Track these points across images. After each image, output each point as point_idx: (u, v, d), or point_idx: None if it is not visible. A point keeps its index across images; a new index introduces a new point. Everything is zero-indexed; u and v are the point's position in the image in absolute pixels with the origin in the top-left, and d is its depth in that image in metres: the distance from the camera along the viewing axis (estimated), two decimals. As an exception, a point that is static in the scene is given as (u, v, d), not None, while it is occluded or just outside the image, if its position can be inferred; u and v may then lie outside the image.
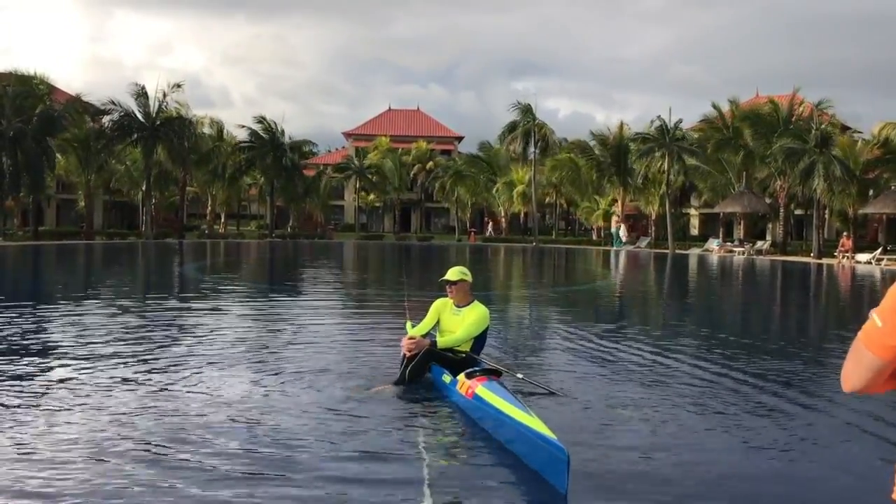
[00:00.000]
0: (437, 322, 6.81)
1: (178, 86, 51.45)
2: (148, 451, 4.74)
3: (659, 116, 51.30)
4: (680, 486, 4.41)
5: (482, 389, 5.41)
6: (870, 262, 35.91)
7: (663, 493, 4.26)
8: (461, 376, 5.89)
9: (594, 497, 4.23)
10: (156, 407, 5.82)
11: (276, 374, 7.20)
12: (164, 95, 51.01)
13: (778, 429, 5.69)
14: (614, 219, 56.57)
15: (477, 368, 5.97)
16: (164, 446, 4.83)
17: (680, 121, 51.15)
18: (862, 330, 1.59)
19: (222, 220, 64.69)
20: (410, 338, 6.58)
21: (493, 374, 5.87)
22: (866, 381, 1.58)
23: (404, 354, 6.62)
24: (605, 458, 4.80)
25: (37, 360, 7.74)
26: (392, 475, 4.42)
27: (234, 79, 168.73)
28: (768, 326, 13.61)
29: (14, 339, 9.01)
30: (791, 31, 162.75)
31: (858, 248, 39.55)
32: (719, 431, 5.57)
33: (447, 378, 6.18)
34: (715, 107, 49.60)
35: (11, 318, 10.71)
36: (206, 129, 58.06)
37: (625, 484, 4.38)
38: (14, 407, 5.73)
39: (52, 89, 48.74)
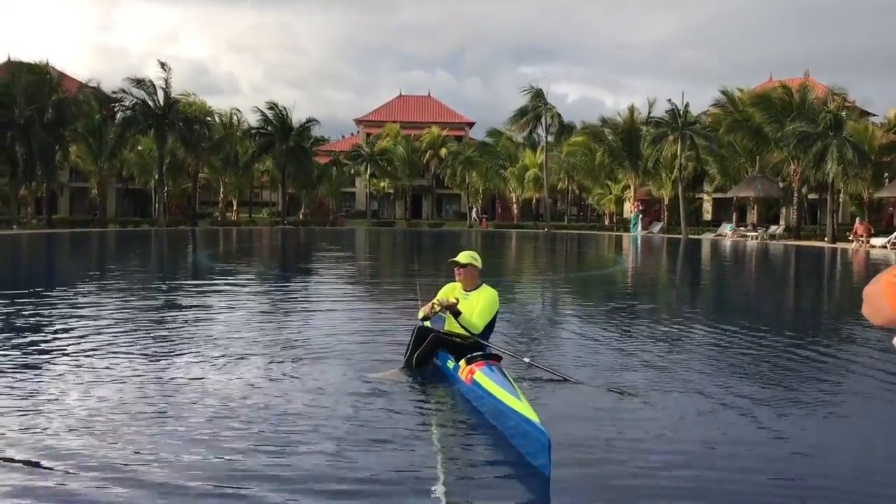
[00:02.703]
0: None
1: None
2: (150, 430, 4.77)
3: (670, 100, 50.99)
4: (676, 474, 4.31)
5: (479, 374, 5.44)
6: (885, 247, 35.61)
7: (658, 482, 4.18)
8: (462, 362, 5.91)
9: (585, 483, 4.16)
10: (161, 389, 5.85)
11: (284, 358, 7.21)
12: (167, 82, 51.12)
13: (793, 419, 5.56)
14: (630, 205, 56.26)
15: (478, 353, 5.96)
16: (167, 426, 4.86)
17: (687, 105, 50.81)
18: (885, 282, 1.57)
19: (234, 207, 64.89)
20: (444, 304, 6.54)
21: (492, 359, 5.86)
22: (886, 324, 1.61)
23: (410, 341, 6.66)
24: (603, 444, 4.76)
25: (43, 344, 7.79)
26: (393, 460, 4.42)
27: (240, 67, 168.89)
28: (782, 312, 13.50)
29: (21, 324, 9.07)
30: (798, 17, 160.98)
31: (873, 233, 39.13)
32: (727, 421, 5.44)
33: (451, 364, 6.19)
34: (725, 93, 49.02)
35: (23, 304, 10.79)
36: (216, 118, 58.16)
37: (618, 471, 4.32)
38: (18, 387, 5.78)
39: (62, 77, 48.97)
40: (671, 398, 5.95)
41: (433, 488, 3.97)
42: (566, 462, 4.30)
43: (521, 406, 4.59)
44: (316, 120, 60.96)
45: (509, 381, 5.21)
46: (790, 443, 4.95)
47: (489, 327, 6.68)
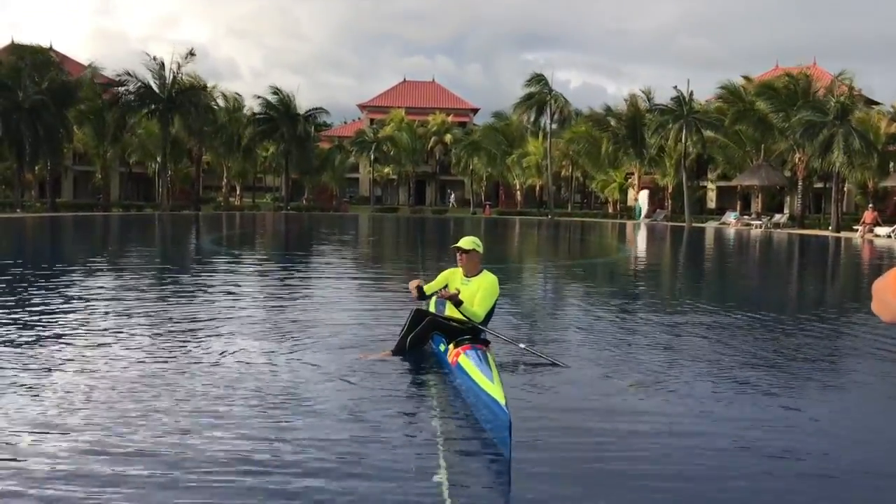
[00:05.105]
0: (445, 288, 6.78)
1: (192, 54, 51.27)
2: (149, 415, 4.79)
3: (675, 87, 50.70)
4: (661, 465, 4.25)
5: (463, 357, 5.52)
6: (889, 236, 35.49)
7: (628, 468, 4.13)
8: (451, 345, 5.96)
9: (550, 465, 4.13)
10: (157, 371, 5.87)
11: (280, 340, 7.24)
12: (179, 66, 50.93)
13: (793, 411, 5.44)
14: (634, 193, 56.05)
15: (466, 337, 6.01)
16: (163, 409, 4.88)
17: (692, 93, 50.47)
18: (894, 276, 1.55)
19: (237, 192, 64.85)
20: (450, 296, 6.53)
21: (480, 343, 5.89)
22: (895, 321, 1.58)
23: (406, 322, 6.68)
24: (583, 431, 4.74)
25: (43, 328, 7.78)
26: (378, 441, 4.45)
27: (240, 51, 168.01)
28: (785, 301, 13.44)
29: (20, 307, 9.09)
30: (802, 3, 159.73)
31: (879, 223, 38.95)
32: (719, 412, 5.38)
33: (443, 347, 6.25)
34: (726, 87, 48.62)
35: (22, 286, 10.82)
36: (221, 102, 57.93)
37: (588, 456, 4.29)
38: (17, 375, 5.81)
39: (64, 59, 48.90)
40: (666, 384, 5.94)
41: (428, 469, 4.01)
42: (535, 444, 4.34)
43: (492, 388, 4.65)
44: (325, 110, 60.96)
45: (489, 365, 5.26)
46: (780, 429, 4.95)
47: (489, 314, 6.68)
